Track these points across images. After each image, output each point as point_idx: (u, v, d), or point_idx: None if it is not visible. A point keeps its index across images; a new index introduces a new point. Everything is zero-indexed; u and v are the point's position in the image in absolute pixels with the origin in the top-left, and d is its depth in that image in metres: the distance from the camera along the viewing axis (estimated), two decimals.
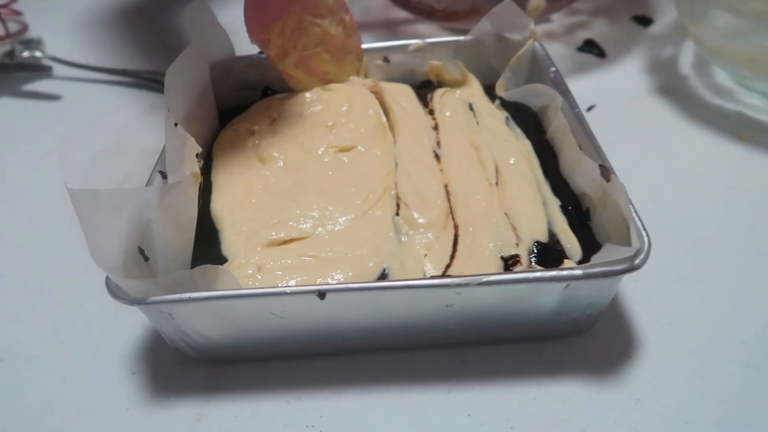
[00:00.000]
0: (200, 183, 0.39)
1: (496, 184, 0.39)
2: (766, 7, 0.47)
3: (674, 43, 0.61)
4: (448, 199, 0.39)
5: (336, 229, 0.37)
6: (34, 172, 0.52)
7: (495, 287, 0.30)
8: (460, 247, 0.36)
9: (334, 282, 0.33)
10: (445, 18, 0.62)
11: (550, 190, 0.39)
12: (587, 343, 0.34)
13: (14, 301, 0.40)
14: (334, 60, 0.48)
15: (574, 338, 0.35)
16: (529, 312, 0.32)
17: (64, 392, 0.35)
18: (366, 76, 0.51)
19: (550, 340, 0.35)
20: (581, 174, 0.37)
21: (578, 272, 0.30)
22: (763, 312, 0.36)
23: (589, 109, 0.53)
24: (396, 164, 0.41)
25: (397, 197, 0.38)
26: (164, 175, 0.38)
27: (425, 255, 0.35)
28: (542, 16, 0.64)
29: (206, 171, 0.43)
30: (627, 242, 0.31)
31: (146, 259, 0.34)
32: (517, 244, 0.35)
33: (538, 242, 0.36)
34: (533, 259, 0.35)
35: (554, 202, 0.38)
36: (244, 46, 0.47)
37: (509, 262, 0.34)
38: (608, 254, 0.30)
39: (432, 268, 0.35)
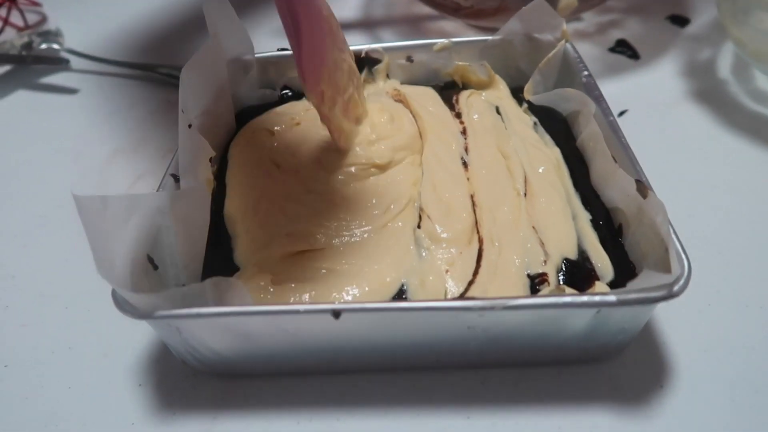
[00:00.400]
0: (213, 187, 0.37)
1: (525, 195, 0.37)
2: None
3: (712, 45, 0.58)
4: (474, 211, 0.37)
5: (353, 240, 0.35)
6: (48, 169, 0.51)
7: (521, 311, 0.28)
8: (484, 262, 0.34)
9: (349, 297, 0.32)
10: (472, 15, 0.60)
11: (580, 203, 0.37)
12: (617, 369, 0.32)
13: (24, 303, 0.39)
14: (360, 98, 0.42)
15: (603, 364, 0.33)
16: (555, 336, 0.30)
17: (69, 403, 0.34)
18: (388, 76, 0.49)
19: (576, 365, 0.33)
20: (615, 187, 0.35)
21: (612, 298, 0.28)
22: None
23: (621, 114, 0.51)
24: (422, 173, 0.39)
25: (420, 209, 0.37)
26: (176, 179, 0.37)
27: (447, 271, 0.33)
28: (573, 15, 0.61)
29: (221, 172, 0.41)
30: (663, 263, 0.29)
31: (155, 267, 0.32)
32: (545, 262, 0.33)
33: (567, 260, 0.34)
34: (561, 278, 0.33)
35: (584, 216, 0.36)
36: (263, 42, 0.46)
37: (536, 281, 0.33)
38: (645, 280, 0.27)
39: (454, 285, 0.33)
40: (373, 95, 0.47)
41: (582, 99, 0.40)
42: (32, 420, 0.33)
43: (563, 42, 0.46)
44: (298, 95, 0.48)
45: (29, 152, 0.53)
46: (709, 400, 0.31)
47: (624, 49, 0.59)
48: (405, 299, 0.32)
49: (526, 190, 0.38)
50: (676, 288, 0.27)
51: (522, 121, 0.44)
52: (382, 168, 0.40)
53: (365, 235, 0.35)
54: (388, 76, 0.49)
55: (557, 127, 0.43)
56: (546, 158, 0.40)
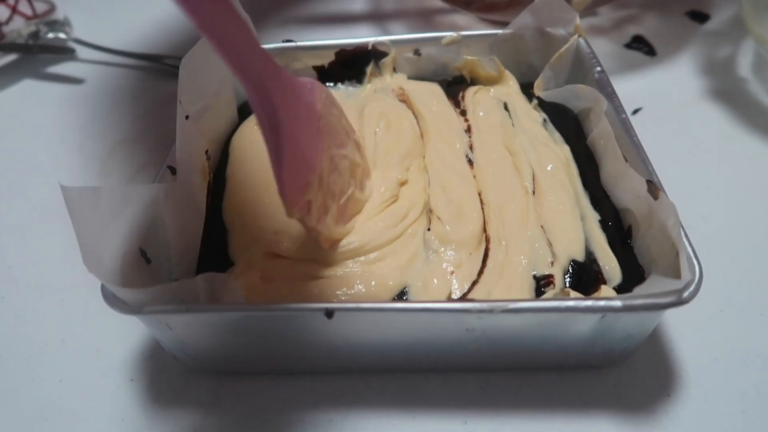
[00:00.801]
0: (209, 181, 0.36)
1: (533, 193, 0.36)
2: None
3: (733, 42, 0.56)
4: (483, 210, 0.36)
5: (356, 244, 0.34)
6: (51, 159, 0.51)
7: (522, 315, 0.27)
8: (490, 262, 0.33)
9: (344, 298, 0.31)
10: (483, 9, 0.58)
11: (589, 203, 0.36)
12: (622, 376, 0.31)
13: (19, 294, 0.39)
14: (362, 194, 0.36)
15: (608, 371, 0.31)
16: (558, 341, 0.29)
17: (61, 396, 0.33)
18: (395, 70, 0.48)
19: (580, 371, 0.31)
20: (625, 188, 0.34)
21: (617, 303, 0.26)
22: None
23: (635, 112, 0.49)
24: (428, 174, 0.38)
25: (430, 211, 0.36)
26: (173, 171, 0.36)
27: (452, 272, 0.32)
28: (588, 9, 0.59)
29: (222, 165, 0.40)
30: (674, 268, 0.27)
31: (148, 261, 0.32)
32: (552, 263, 0.32)
33: (574, 261, 0.32)
34: (568, 281, 0.32)
35: (593, 217, 0.35)
36: (268, 35, 0.45)
37: (541, 283, 0.31)
38: (653, 285, 0.26)
39: (458, 286, 0.32)
40: (379, 92, 0.46)
41: (594, 96, 0.39)
42: (23, 412, 0.32)
43: (576, 37, 0.44)
44: None
45: (34, 142, 0.53)
46: (718, 411, 0.29)
47: (640, 45, 0.57)
48: (405, 300, 0.31)
49: (534, 188, 0.37)
50: (686, 294, 0.26)
51: (531, 117, 0.43)
52: (404, 184, 0.38)
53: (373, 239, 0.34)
54: (395, 69, 0.48)
55: (568, 124, 0.42)
56: (555, 156, 0.39)
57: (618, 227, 0.34)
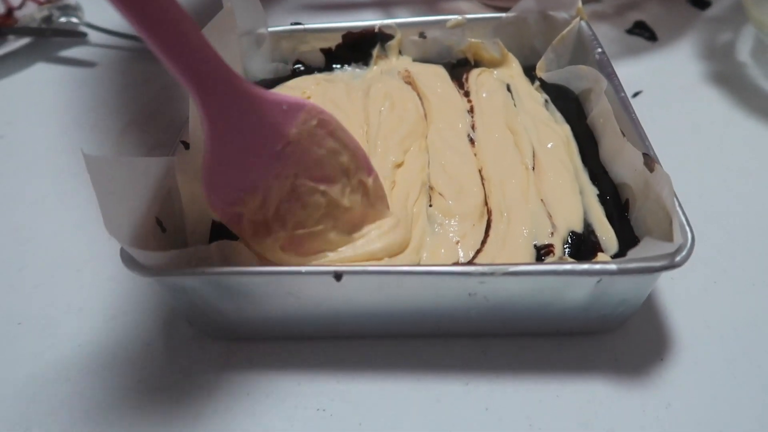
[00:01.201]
0: None
1: (533, 169, 0.37)
2: None
3: (733, 28, 0.57)
4: (483, 185, 0.37)
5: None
6: (65, 138, 0.52)
7: (522, 278, 0.28)
8: (492, 233, 0.34)
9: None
10: None
11: (588, 179, 0.37)
12: (617, 341, 0.32)
13: (37, 266, 0.40)
14: (344, 236, 0.33)
15: (604, 336, 0.33)
16: (556, 306, 0.30)
17: (80, 360, 0.34)
18: (401, 52, 0.49)
19: (577, 337, 0.33)
20: (623, 162, 0.35)
21: (612, 267, 0.28)
22: None
23: (635, 95, 0.50)
24: (429, 154, 0.39)
25: (430, 188, 0.37)
26: (186, 146, 0.37)
27: (457, 242, 0.34)
28: None
29: None
30: (668, 238, 0.28)
31: (164, 230, 0.33)
32: (552, 234, 0.33)
33: (573, 232, 0.34)
34: (567, 250, 0.33)
35: (592, 191, 0.36)
36: (277, 16, 0.46)
37: (542, 252, 0.33)
38: (647, 249, 0.27)
39: (463, 254, 0.33)
40: (386, 73, 0.47)
41: (594, 76, 0.40)
42: (45, 374, 0.34)
43: (578, 20, 0.45)
44: (309, 70, 0.49)
45: (48, 122, 0.54)
46: (709, 374, 0.31)
47: (642, 30, 0.58)
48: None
49: (534, 164, 0.38)
50: (678, 258, 0.27)
51: (533, 98, 0.44)
52: (399, 165, 0.39)
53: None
54: (400, 52, 0.49)
55: (569, 105, 0.43)
56: (555, 135, 0.40)
57: (616, 201, 0.35)
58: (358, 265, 0.30)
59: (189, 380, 0.33)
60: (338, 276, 0.28)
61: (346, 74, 0.48)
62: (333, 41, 0.48)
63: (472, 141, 0.40)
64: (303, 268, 0.29)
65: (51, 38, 0.63)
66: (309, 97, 0.44)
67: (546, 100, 0.44)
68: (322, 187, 0.32)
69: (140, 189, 0.31)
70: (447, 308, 0.31)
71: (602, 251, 0.32)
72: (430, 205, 0.36)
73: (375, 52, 0.48)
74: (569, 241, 0.34)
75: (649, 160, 0.32)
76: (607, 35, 0.58)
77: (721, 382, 0.31)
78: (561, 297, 0.30)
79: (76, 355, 0.35)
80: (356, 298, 0.30)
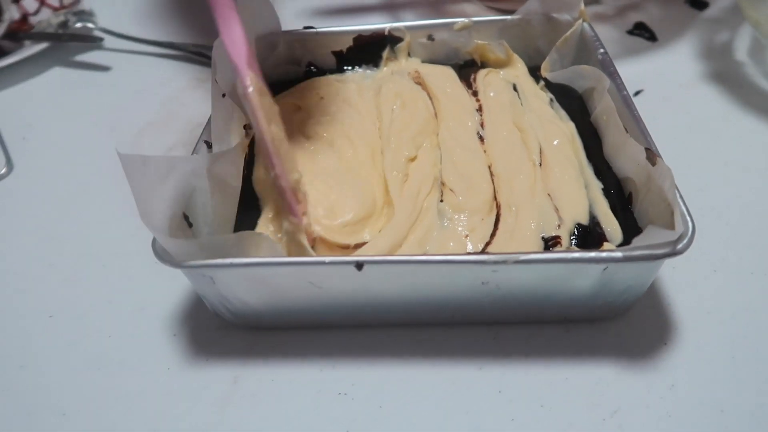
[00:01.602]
0: (246, 154, 0.39)
1: (540, 165, 0.39)
2: None
3: (730, 28, 0.59)
4: (492, 181, 0.39)
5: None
6: (84, 139, 0.54)
7: (532, 266, 0.30)
8: (501, 227, 0.36)
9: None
10: None
11: (593, 173, 0.39)
12: (622, 327, 0.34)
13: (66, 262, 0.42)
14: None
15: (610, 322, 0.34)
16: (565, 293, 0.32)
17: (110, 350, 0.36)
18: (409, 54, 0.51)
19: (584, 323, 0.34)
20: (626, 157, 0.36)
21: (618, 254, 0.29)
22: None
23: (636, 93, 0.52)
24: (441, 151, 0.41)
25: (442, 183, 0.39)
26: (209, 145, 0.39)
27: (466, 236, 0.35)
28: None
29: (250, 144, 0.43)
30: (670, 228, 0.30)
31: (190, 225, 0.35)
32: (559, 226, 0.35)
33: (579, 224, 0.35)
34: (573, 242, 0.35)
35: (596, 185, 0.38)
36: (290, 20, 0.48)
37: (549, 243, 0.34)
38: (650, 237, 0.29)
39: (472, 247, 0.35)
40: (396, 74, 0.48)
41: (597, 75, 0.42)
42: (76, 363, 0.36)
43: (580, 21, 0.47)
44: (321, 71, 0.50)
45: (66, 124, 0.56)
46: (711, 357, 0.33)
47: (642, 31, 0.60)
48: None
49: (541, 160, 0.39)
50: (680, 246, 0.29)
51: (538, 97, 0.45)
52: (413, 160, 0.41)
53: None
54: (409, 54, 0.51)
55: (573, 103, 0.44)
56: (561, 132, 0.42)
57: (619, 194, 0.37)
58: (378, 256, 0.31)
59: (215, 368, 0.34)
60: (359, 265, 0.30)
61: (356, 75, 0.50)
62: (344, 44, 0.50)
63: (481, 139, 0.42)
64: (326, 258, 0.30)
65: (67, 43, 0.64)
66: (322, 98, 0.46)
67: (551, 99, 0.45)
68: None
69: (169, 185, 0.33)
70: (461, 296, 0.32)
71: (608, 242, 0.34)
72: (441, 200, 0.38)
73: (385, 54, 0.50)
74: (575, 233, 0.35)
75: (651, 154, 0.33)
76: (609, 36, 0.59)
77: (721, 364, 0.32)
78: (569, 285, 0.31)
79: (106, 345, 0.36)
80: (375, 287, 0.32)
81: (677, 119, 0.49)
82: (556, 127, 0.42)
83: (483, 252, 0.34)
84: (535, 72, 0.48)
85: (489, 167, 0.40)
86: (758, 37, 0.54)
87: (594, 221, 0.36)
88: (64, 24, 0.66)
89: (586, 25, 0.47)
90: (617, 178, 0.38)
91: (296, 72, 0.50)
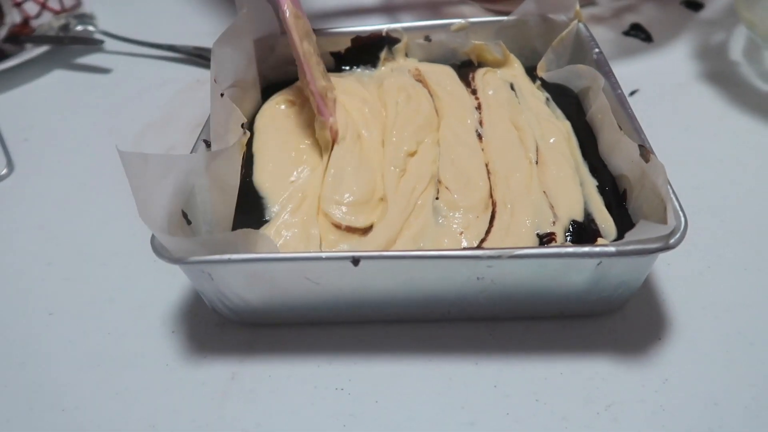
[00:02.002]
0: (243, 152, 0.40)
1: (536, 163, 0.39)
2: None
3: (725, 29, 0.59)
4: (489, 178, 0.39)
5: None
6: (85, 140, 0.54)
7: (526, 261, 0.30)
8: (496, 223, 0.36)
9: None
10: None
11: (588, 171, 0.39)
12: (617, 322, 0.34)
13: (65, 260, 0.42)
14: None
15: (605, 317, 0.35)
16: (560, 288, 0.32)
17: (110, 347, 0.36)
18: (407, 55, 0.51)
19: (580, 319, 0.35)
20: (620, 155, 0.37)
21: (611, 249, 0.30)
22: None
23: (632, 93, 0.52)
24: (440, 148, 0.41)
25: (438, 181, 0.39)
26: (208, 144, 0.39)
27: (461, 233, 0.36)
28: None
29: (248, 143, 0.44)
30: (663, 223, 0.30)
31: (189, 222, 0.35)
32: (554, 223, 0.35)
33: (574, 221, 0.36)
34: (568, 238, 0.35)
35: (591, 183, 0.38)
36: None
37: (544, 240, 0.35)
38: (643, 232, 0.29)
39: (467, 244, 0.35)
40: (396, 71, 0.49)
41: (592, 74, 0.42)
42: (77, 360, 0.36)
43: (576, 22, 0.48)
44: None
45: (67, 126, 0.56)
46: (704, 352, 0.33)
47: (638, 32, 0.61)
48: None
49: (537, 158, 0.40)
50: (672, 240, 0.29)
51: (535, 96, 0.46)
52: (412, 155, 0.41)
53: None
54: (407, 54, 0.51)
55: (569, 102, 0.45)
56: (557, 130, 0.42)
57: (614, 191, 0.37)
58: (374, 251, 0.32)
59: (214, 364, 0.35)
60: (356, 261, 0.30)
61: (355, 75, 0.50)
62: (342, 45, 0.50)
63: (479, 136, 0.42)
64: (323, 254, 0.31)
65: (68, 46, 0.65)
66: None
67: (547, 98, 0.46)
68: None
69: (168, 183, 0.33)
70: (457, 292, 0.33)
71: (602, 238, 0.34)
72: (437, 198, 0.38)
73: (382, 55, 0.51)
74: (570, 230, 0.35)
75: (645, 151, 0.34)
76: (605, 37, 0.60)
77: (715, 359, 0.32)
78: (564, 280, 0.32)
79: (105, 342, 0.37)
80: (372, 283, 0.32)
81: (673, 118, 0.49)
82: (552, 125, 0.43)
83: (478, 247, 0.34)
84: (531, 72, 0.49)
85: (486, 165, 0.40)
86: (753, 37, 0.54)
87: (589, 218, 0.36)
88: (65, 27, 0.67)
89: (581, 25, 0.47)
90: (612, 176, 0.38)
91: (295, 73, 0.50)
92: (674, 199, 0.31)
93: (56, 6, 0.69)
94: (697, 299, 0.35)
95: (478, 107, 0.45)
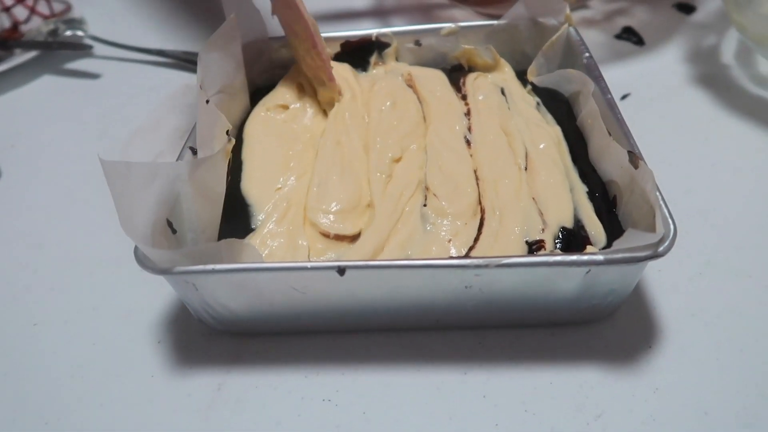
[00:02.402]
0: (229, 160, 0.39)
1: (526, 169, 0.39)
2: None
3: (717, 32, 0.59)
4: (477, 185, 0.39)
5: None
6: (73, 147, 0.54)
7: (515, 269, 0.30)
8: (485, 230, 0.36)
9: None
10: (480, 3, 0.61)
11: (578, 177, 0.39)
12: (607, 330, 0.34)
13: (51, 268, 0.42)
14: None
15: (594, 325, 0.34)
16: (549, 297, 0.32)
17: (94, 357, 0.36)
18: (397, 59, 0.51)
19: (569, 327, 0.34)
20: (610, 160, 0.37)
21: (600, 257, 0.29)
22: None
23: (624, 97, 0.52)
24: (427, 155, 0.41)
25: (426, 188, 0.39)
26: (194, 151, 0.39)
27: (449, 240, 0.35)
28: (580, 2, 0.62)
29: (237, 150, 0.43)
30: (653, 230, 0.30)
31: (174, 231, 0.35)
32: (543, 230, 0.35)
33: (563, 228, 0.35)
34: (558, 245, 0.35)
35: (581, 189, 0.38)
36: (277, 27, 0.48)
37: (533, 247, 0.34)
38: (632, 240, 0.29)
39: (455, 252, 0.35)
40: (390, 74, 0.49)
41: (582, 79, 0.42)
42: (60, 371, 0.35)
43: (566, 26, 0.47)
44: None
45: (55, 131, 0.56)
46: (695, 359, 0.32)
47: (630, 35, 0.60)
48: None
49: (527, 164, 0.40)
50: (661, 248, 0.29)
51: (525, 101, 0.46)
52: (397, 161, 0.41)
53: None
54: (397, 59, 0.51)
55: (559, 107, 0.45)
56: (547, 135, 0.42)
57: (604, 197, 0.37)
58: (360, 260, 0.31)
59: (200, 375, 0.34)
60: (341, 271, 0.30)
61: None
62: (332, 49, 0.50)
63: (468, 143, 0.42)
64: (308, 264, 0.30)
65: (57, 51, 0.64)
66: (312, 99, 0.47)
67: (538, 103, 0.45)
68: (295, 40, 0.47)
69: (152, 191, 0.33)
70: (445, 301, 0.32)
71: (591, 245, 0.34)
72: (425, 205, 0.38)
73: (372, 59, 0.50)
74: (560, 237, 0.35)
75: (634, 157, 0.34)
76: (597, 40, 0.60)
77: (705, 367, 0.32)
78: (553, 288, 0.31)
79: (90, 352, 0.36)
80: (358, 292, 0.32)
81: (665, 122, 0.49)
82: (542, 130, 0.42)
83: (466, 256, 0.33)
84: (521, 76, 0.48)
85: (475, 171, 0.40)
86: (744, 40, 0.54)
87: (579, 225, 0.36)
88: (54, 32, 0.66)
89: (572, 29, 0.47)
90: (602, 181, 0.38)
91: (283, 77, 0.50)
92: (663, 205, 0.31)
93: (45, 11, 0.69)
94: (688, 306, 0.35)
95: (468, 113, 0.45)
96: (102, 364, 0.36)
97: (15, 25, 0.68)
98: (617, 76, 0.53)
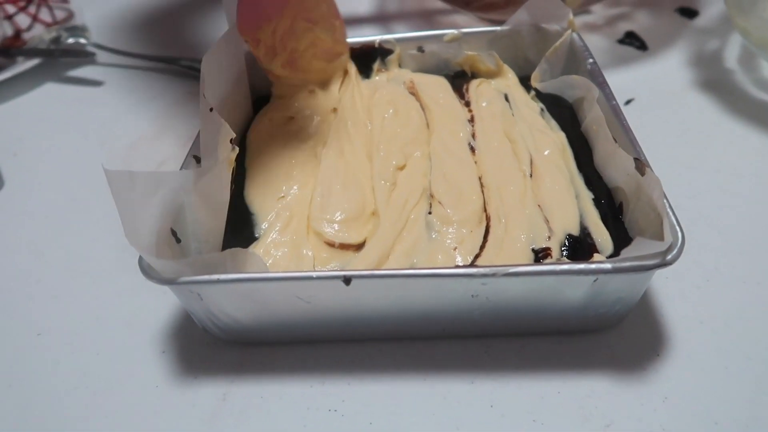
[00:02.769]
0: (233, 168, 0.39)
1: (530, 176, 0.39)
2: None
3: (720, 36, 0.59)
4: (482, 192, 0.38)
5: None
6: (75, 155, 0.54)
7: (522, 278, 0.30)
8: (490, 238, 0.35)
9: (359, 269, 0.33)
10: (482, 8, 0.61)
11: (584, 184, 0.38)
12: (615, 339, 0.34)
13: (54, 277, 0.42)
14: (322, 60, 0.48)
15: (602, 334, 0.34)
16: (556, 305, 0.32)
17: (98, 367, 0.36)
18: (400, 65, 0.51)
19: (577, 335, 0.34)
20: (615, 167, 0.36)
21: (607, 266, 0.29)
22: None
23: (627, 102, 0.52)
24: (431, 162, 0.41)
25: (431, 195, 0.38)
26: (198, 160, 0.39)
27: (455, 248, 0.35)
28: (582, 7, 0.62)
29: (240, 158, 0.43)
30: (660, 238, 0.30)
31: (178, 240, 0.34)
32: (549, 237, 0.35)
33: (570, 235, 0.35)
34: (565, 253, 0.34)
35: (587, 196, 0.37)
36: None
37: (540, 255, 0.34)
38: (639, 248, 0.29)
39: (461, 260, 0.34)
40: (392, 81, 0.49)
41: (586, 85, 0.42)
42: (64, 381, 0.35)
43: (569, 32, 0.47)
44: None
45: (58, 139, 0.56)
46: (703, 367, 0.32)
47: (632, 40, 0.60)
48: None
49: (531, 171, 0.39)
50: (669, 257, 0.29)
51: (529, 107, 0.45)
52: (402, 168, 0.41)
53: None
54: (400, 65, 0.51)
55: (563, 113, 0.44)
56: (552, 142, 0.41)
57: (610, 204, 0.37)
58: (366, 270, 0.31)
59: (204, 385, 0.34)
60: (347, 280, 0.30)
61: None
62: None
63: (472, 149, 0.42)
64: (313, 273, 0.30)
65: (59, 59, 0.64)
66: (312, 91, 0.47)
67: (542, 109, 0.45)
68: (310, 26, 0.47)
69: (156, 201, 0.33)
70: (451, 310, 0.32)
71: (598, 253, 0.34)
72: (429, 213, 0.38)
73: (375, 66, 0.50)
74: (566, 244, 0.35)
75: (640, 165, 0.33)
76: (600, 46, 0.60)
77: (714, 374, 0.32)
78: (560, 297, 0.31)
79: (94, 362, 0.36)
80: (364, 302, 0.32)
81: (668, 127, 0.49)
82: (546, 137, 0.42)
83: (472, 265, 0.33)
84: (524, 82, 0.48)
85: (479, 178, 0.40)
86: (747, 45, 0.54)
87: (585, 232, 0.35)
88: (56, 40, 0.66)
89: (575, 35, 0.47)
90: (608, 188, 0.37)
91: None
92: (671, 213, 0.30)
93: (48, 18, 0.69)
94: (696, 314, 0.35)
95: (471, 120, 0.45)
96: (106, 374, 0.35)
97: (17, 33, 0.68)
98: (620, 81, 0.52)
